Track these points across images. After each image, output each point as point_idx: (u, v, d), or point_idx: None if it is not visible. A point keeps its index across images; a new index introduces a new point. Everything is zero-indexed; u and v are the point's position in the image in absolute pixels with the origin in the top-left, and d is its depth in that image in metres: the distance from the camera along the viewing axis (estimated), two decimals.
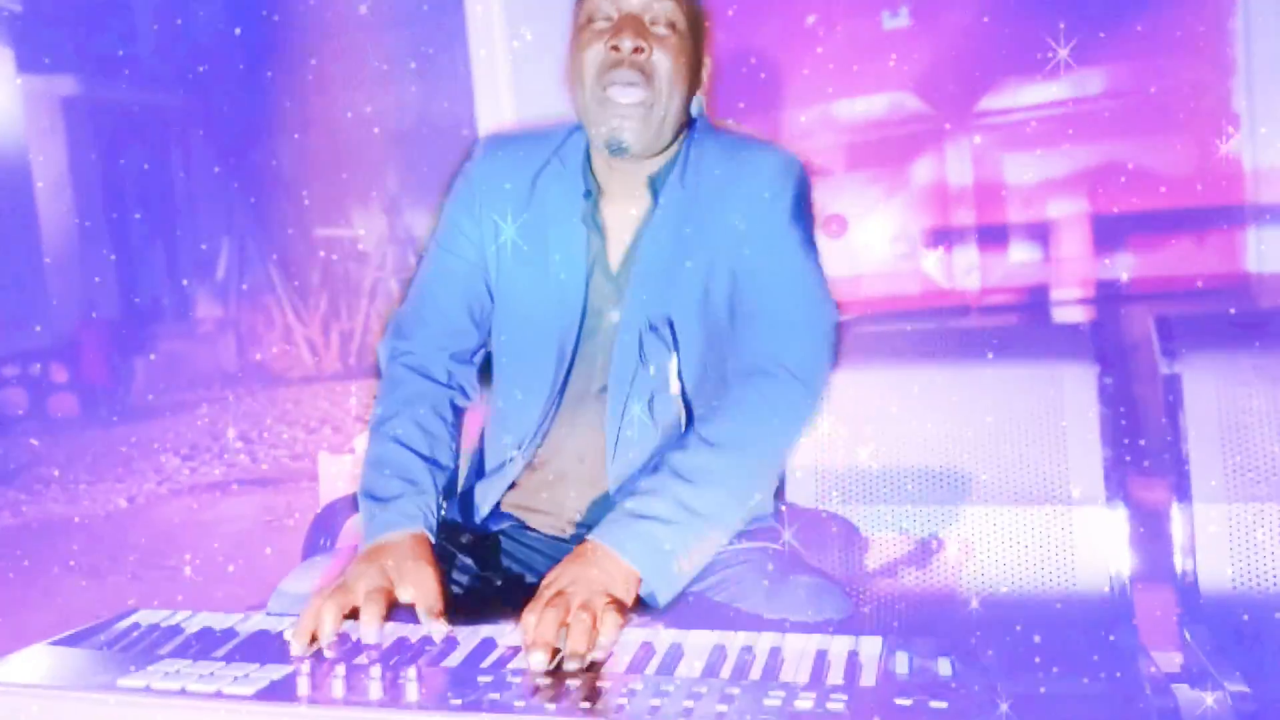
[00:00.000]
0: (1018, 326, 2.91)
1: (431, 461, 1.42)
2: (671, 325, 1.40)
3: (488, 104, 3.94)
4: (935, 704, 0.95)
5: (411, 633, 1.25)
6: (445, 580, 1.33)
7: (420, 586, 1.27)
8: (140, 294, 10.35)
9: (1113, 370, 1.72)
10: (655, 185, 1.43)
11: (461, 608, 1.31)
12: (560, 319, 1.44)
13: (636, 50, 1.34)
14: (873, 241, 4.12)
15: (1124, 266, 3.74)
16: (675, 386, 1.40)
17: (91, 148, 10.08)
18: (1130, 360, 2.78)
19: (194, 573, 4.13)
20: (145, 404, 8.65)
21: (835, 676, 1.05)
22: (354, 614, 1.23)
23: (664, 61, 1.36)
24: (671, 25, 1.37)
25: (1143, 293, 3.67)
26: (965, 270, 4.01)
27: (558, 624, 1.14)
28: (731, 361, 1.41)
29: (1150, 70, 3.68)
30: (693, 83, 1.42)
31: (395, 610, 1.27)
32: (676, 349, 1.40)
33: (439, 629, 1.21)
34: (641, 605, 1.27)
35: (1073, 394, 1.72)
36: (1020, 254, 3.94)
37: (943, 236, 4.02)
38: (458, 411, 1.51)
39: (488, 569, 1.49)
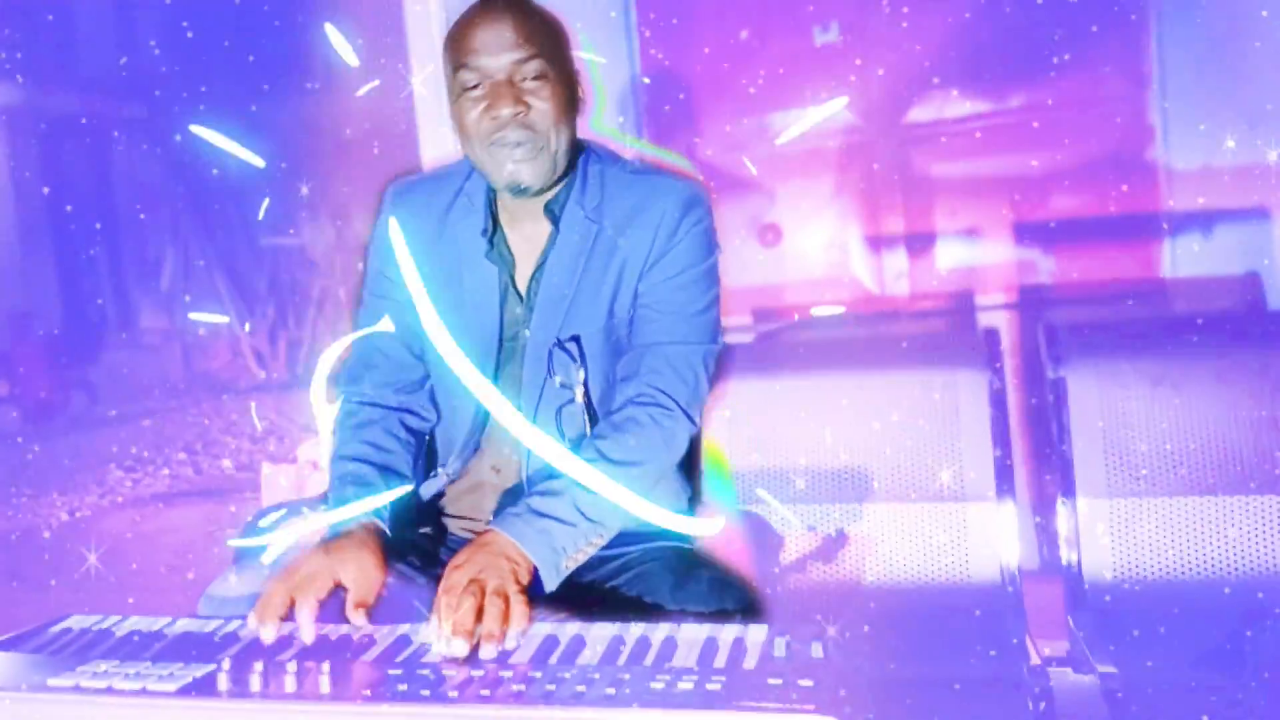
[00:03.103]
0: (915, 335, 3.04)
1: (383, 468, 1.54)
2: (579, 342, 1.51)
3: (429, 110, 4.00)
4: (803, 682, 1.04)
5: (331, 631, 1.32)
6: (386, 569, 1.41)
7: (358, 574, 1.36)
8: (84, 305, 10.23)
9: (1003, 375, 1.84)
10: (553, 211, 1.53)
11: (384, 607, 1.40)
12: (479, 344, 1.54)
13: (515, 115, 1.43)
14: (807, 250, 4.23)
15: (1045, 272, 3.89)
16: (581, 398, 1.51)
17: (34, 157, 9.96)
18: (1020, 365, 2.92)
19: (136, 584, 4.14)
20: (88, 416, 8.57)
21: (720, 661, 1.14)
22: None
23: (542, 108, 1.45)
24: (541, 76, 1.45)
25: (1064, 298, 3.83)
26: (895, 276, 4.15)
27: (475, 612, 1.24)
28: (628, 382, 1.51)
29: (1070, 84, 3.83)
30: (573, 111, 1.51)
31: (334, 598, 1.36)
32: (584, 364, 1.50)
33: (358, 622, 1.30)
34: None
35: (966, 398, 1.83)
36: (947, 261, 4.08)
37: (873, 244, 4.14)
38: (412, 430, 1.62)
39: (412, 569, 1.57)
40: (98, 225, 10.49)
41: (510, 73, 1.43)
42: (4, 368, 8.73)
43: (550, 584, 1.39)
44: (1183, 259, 3.78)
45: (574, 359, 1.50)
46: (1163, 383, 1.81)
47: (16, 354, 8.90)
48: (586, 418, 1.52)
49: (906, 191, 4.09)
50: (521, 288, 1.55)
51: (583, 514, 1.40)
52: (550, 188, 1.52)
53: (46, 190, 10.11)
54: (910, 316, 4.08)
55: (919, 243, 4.07)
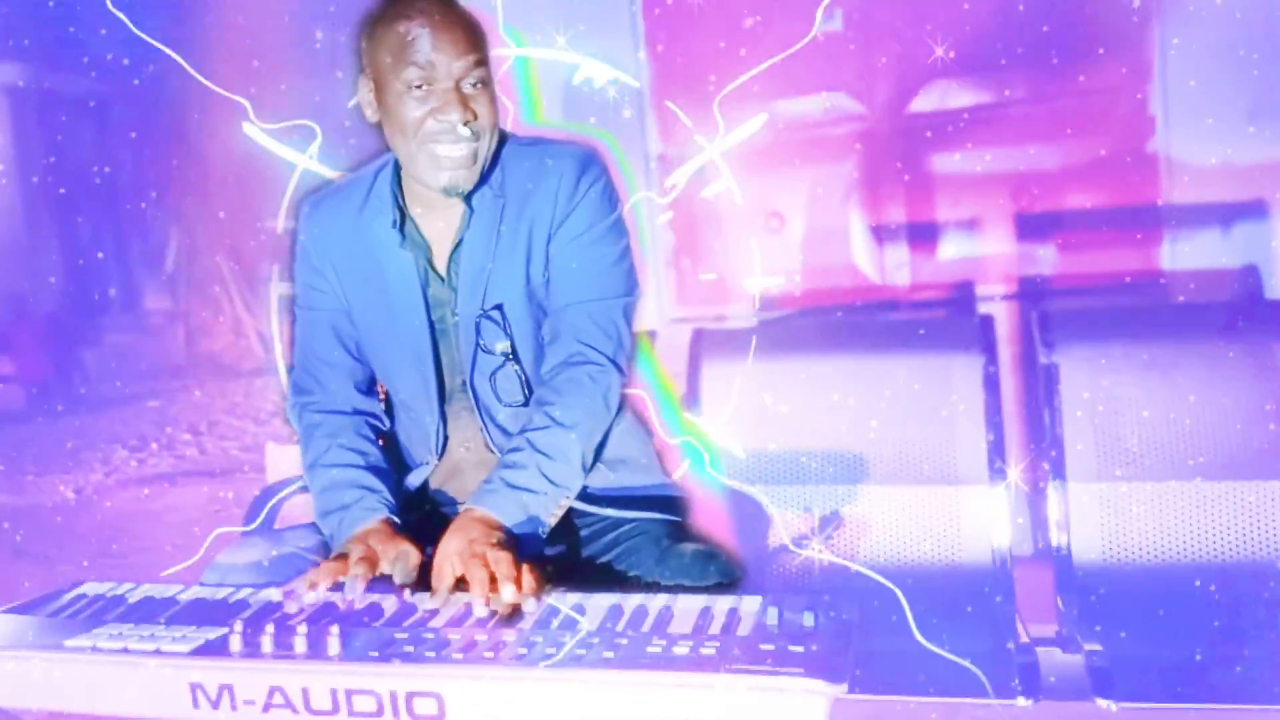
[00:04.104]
0: (911, 321, 3.08)
1: (371, 468, 1.60)
2: (502, 310, 1.56)
3: None
4: (794, 648, 1.08)
5: (339, 600, 1.36)
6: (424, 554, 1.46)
7: (402, 561, 1.42)
8: (88, 286, 10.27)
9: (997, 360, 1.87)
10: (467, 194, 1.55)
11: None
12: (411, 331, 1.60)
13: (465, 123, 1.46)
14: (808, 238, 4.26)
15: (1046, 263, 3.92)
16: (513, 364, 1.57)
17: (39, 138, 9.99)
18: (1018, 354, 2.95)
19: (141, 562, 4.18)
20: (93, 396, 8.61)
21: (715, 628, 1.18)
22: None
23: (484, 112, 1.48)
24: (483, 81, 1.49)
25: (1064, 289, 3.85)
26: (896, 266, 4.17)
27: (512, 576, 1.31)
28: (555, 343, 1.57)
29: (1072, 75, 3.85)
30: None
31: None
32: (510, 332, 1.57)
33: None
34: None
35: (960, 382, 1.87)
36: (948, 251, 4.10)
37: (874, 234, 4.17)
38: (377, 431, 1.68)
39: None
40: (101, 206, 10.51)
41: (459, 76, 1.46)
42: (7, 347, 8.76)
43: (530, 548, 1.45)
44: (1182, 251, 3.79)
45: (499, 326, 1.56)
46: (1153, 368, 1.85)
47: (19, 334, 8.94)
48: (521, 381, 1.58)
49: (908, 180, 4.11)
50: (441, 270, 1.59)
51: (550, 481, 1.47)
52: None
53: (49, 171, 10.13)
54: (910, 305, 4.10)
55: (920, 231, 4.09)
